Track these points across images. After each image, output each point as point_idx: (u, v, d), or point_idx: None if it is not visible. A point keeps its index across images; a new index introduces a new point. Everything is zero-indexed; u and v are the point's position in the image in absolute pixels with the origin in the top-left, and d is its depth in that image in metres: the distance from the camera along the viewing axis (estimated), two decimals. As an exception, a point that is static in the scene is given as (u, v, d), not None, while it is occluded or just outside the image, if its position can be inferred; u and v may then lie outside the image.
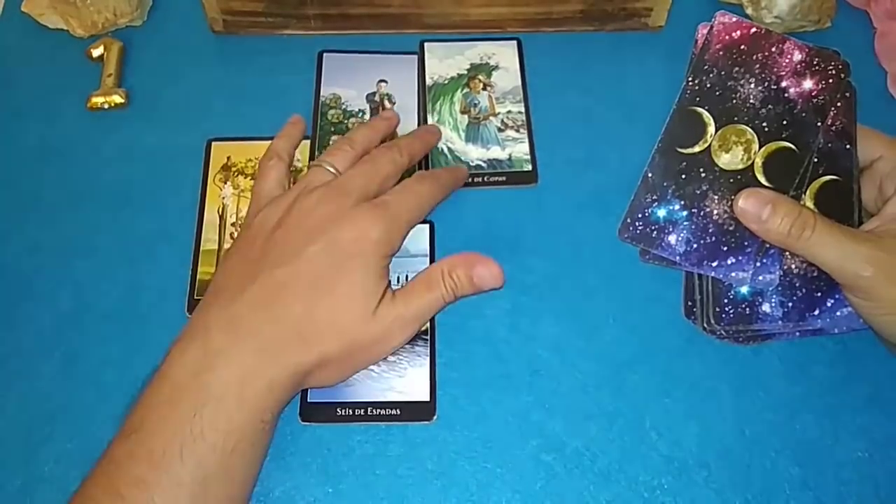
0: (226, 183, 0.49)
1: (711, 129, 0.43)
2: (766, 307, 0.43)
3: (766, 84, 0.43)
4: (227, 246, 0.47)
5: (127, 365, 0.43)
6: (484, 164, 0.51)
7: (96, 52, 0.55)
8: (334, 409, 0.42)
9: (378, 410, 0.42)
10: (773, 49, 0.43)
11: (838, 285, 0.41)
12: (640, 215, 0.43)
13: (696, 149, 0.43)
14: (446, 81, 0.54)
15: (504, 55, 0.56)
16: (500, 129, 0.52)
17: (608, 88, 0.54)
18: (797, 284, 0.43)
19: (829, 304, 0.43)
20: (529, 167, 0.50)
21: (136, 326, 0.45)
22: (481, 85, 0.54)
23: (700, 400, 0.43)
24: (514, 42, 0.56)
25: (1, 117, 0.53)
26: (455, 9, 0.55)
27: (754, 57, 0.43)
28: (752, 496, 0.41)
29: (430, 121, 0.52)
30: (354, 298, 0.38)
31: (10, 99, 0.54)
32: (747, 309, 0.43)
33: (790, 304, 0.43)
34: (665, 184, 0.43)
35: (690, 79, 0.43)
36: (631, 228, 0.43)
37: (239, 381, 0.35)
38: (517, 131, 0.52)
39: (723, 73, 0.43)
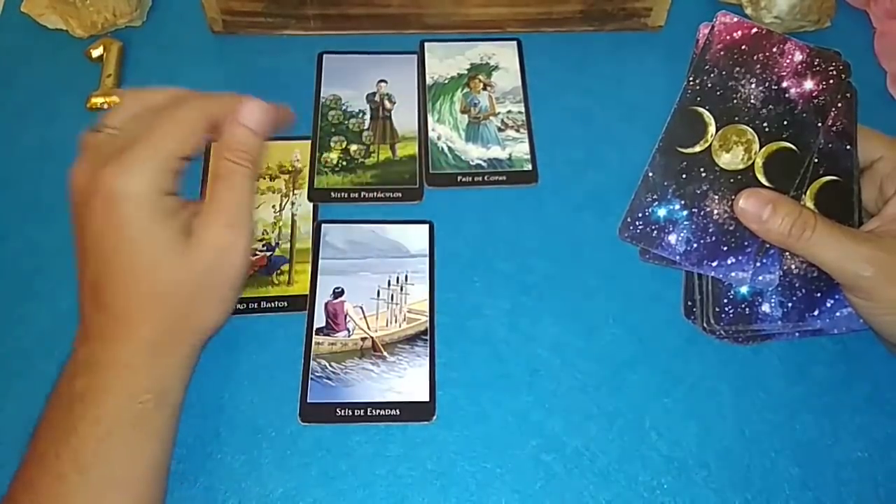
0: (226, 183, 0.49)
1: (712, 128, 0.43)
2: (765, 307, 0.43)
3: (767, 84, 0.43)
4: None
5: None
6: (484, 164, 0.51)
7: (96, 53, 0.55)
8: (334, 409, 0.42)
9: (378, 411, 0.42)
10: (774, 49, 0.43)
11: (838, 285, 0.41)
12: (640, 215, 0.43)
13: (697, 148, 0.43)
14: (446, 81, 0.54)
15: (504, 55, 0.56)
16: (500, 129, 0.52)
17: (608, 88, 0.54)
18: (797, 284, 0.43)
19: (828, 305, 0.43)
20: (529, 167, 0.50)
21: (136, 326, 0.44)
22: (481, 85, 0.54)
23: (700, 400, 0.43)
24: (514, 42, 0.56)
25: (1, 117, 0.53)
26: (455, 9, 0.55)
27: (755, 57, 0.43)
28: (752, 496, 0.41)
29: (430, 120, 0.52)
30: (153, 253, 0.36)
31: (10, 99, 0.54)
32: (747, 309, 0.43)
33: (790, 305, 0.43)
34: (665, 183, 0.43)
35: (691, 78, 0.43)
36: (631, 228, 0.43)
37: (100, 374, 0.36)
38: (517, 131, 0.52)
39: (724, 72, 0.43)
